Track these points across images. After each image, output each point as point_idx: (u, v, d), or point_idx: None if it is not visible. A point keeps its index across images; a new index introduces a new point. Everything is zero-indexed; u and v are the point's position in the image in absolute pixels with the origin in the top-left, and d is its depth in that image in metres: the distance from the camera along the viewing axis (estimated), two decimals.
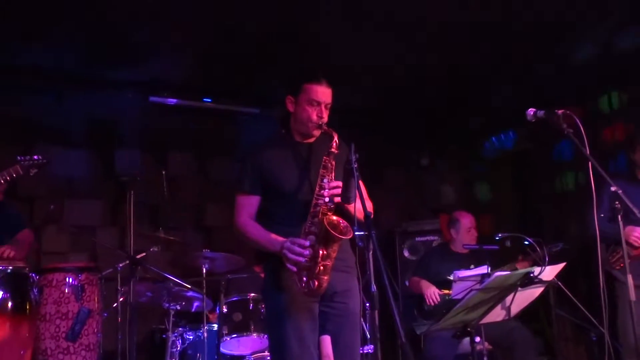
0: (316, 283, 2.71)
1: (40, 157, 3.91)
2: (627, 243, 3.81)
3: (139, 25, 4.47)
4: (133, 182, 4.73)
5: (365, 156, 2.89)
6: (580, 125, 3.10)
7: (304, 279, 2.72)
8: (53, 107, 5.40)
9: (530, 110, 3.22)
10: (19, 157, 3.87)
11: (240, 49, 4.92)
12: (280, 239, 2.78)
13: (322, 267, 2.71)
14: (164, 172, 5.26)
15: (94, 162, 5.73)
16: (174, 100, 5.74)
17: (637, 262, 3.90)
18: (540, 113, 3.19)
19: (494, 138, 7.06)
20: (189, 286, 4.41)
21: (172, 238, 4.76)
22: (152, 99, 5.66)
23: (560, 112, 3.12)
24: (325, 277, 2.73)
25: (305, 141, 2.99)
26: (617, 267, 4.02)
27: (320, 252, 2.70)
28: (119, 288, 4.48)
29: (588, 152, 3.12)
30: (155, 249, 4.78)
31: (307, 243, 2.71)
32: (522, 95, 5.77)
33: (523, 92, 5.77)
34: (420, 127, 6.92)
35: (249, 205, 2.92)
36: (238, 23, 4.50)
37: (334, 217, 2.75)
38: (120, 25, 4.47)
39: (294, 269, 2.71)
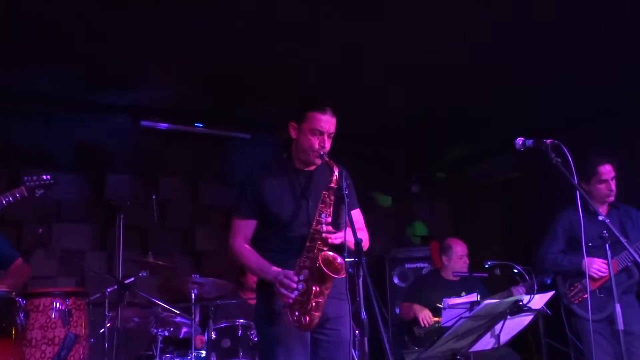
0: (307, 319, 2.71)
1: (48, 177, 3.78)
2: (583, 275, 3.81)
3: (130, 49, 4.50)
4: (123, 206, 4.70)
5: (355, 182, 2.91)
6: (569, 155, 3.15)
7: (296, 313, 2.72)
8: (42, 130, 5.39)
9: (519, 139, 3.26)
10: (24, 178, 3.76)
11: (233, 74, 4.96)
12: (274, 268, 2.78)
13: (314, 304, 2.71)
14: (154, 197, 5.24)
15: (84, 186, 5.71)
16: (165, 125, 5.75)
17: (595, 296, 3.90)
18: (529, 142, 3.23)
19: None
20: (178, 312, 4.37)
21: (161, 263, 4.73)
22: (144, 123, 5.67)
23: (548, 141, 3.17)
24: (317, 314, 2.73)
25: (305, 169, 3.00)
26: (576, 302, 4.03)
27: (314, 288, 2.70)
28: (106, 313, 4.43)
29: (576, 181, 3.16)
30: (144, 274, 4.75)
31: (300, 278, 2.71)
32: (512, 124, 5.83)
33: (512, 120, 5.83)
34: (410, 156, 6.97)
35: (245, 229, 2.93)
36: (231, 48, 4.54)
37: (330, 253, 2.75)
38: (111, 49, 4.49)
39: (287, 301, 2.72)
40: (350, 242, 2.62)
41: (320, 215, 2.81)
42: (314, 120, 2.90)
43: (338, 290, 2.87)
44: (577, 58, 4.72)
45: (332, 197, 2.83)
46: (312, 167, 2.99)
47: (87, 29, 4.20)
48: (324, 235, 2.76)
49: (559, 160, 3.14)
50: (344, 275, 2.68)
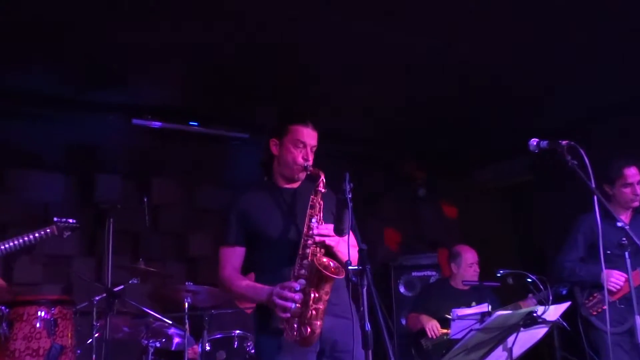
0: (309, 329, 2.69)
1: (75, 221, 4.27)
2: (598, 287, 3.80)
3: (121, 45, 4.50)
4: (113, 209, 4.69)
5: (360, 186, 2.89)
6: (585, 157, 3.12)
7: (295, 326, 2.70)
8: (30, 129, 5.39)
9: (533, 141, 3.24)
10: (55, 219, 4.20)
11: (229, 71, 4.96)
12: (267, 287, 2.78)
13: (314, 312, 2.69)
14: (145, 200, 5.24)
15: (72, 188, 5.70)
16: (158, 124, 5.74)
17: (615, 307, 3.86)
18: (544, 143, 3.21)
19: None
20: (170, 322, 4.36)
21: (152, 269, 4.72)
22: (135, 121, 5.66)
23: (564, 142, 3.15)
24: (318, 322, 2.71)
25: (289, 186, 3.03)
26: (594, 313, 4.00)
27: (312, 294, 2.69)
28: (94, 323, 4.42)
29: (593, 185, 3.14)
30: (135, 281, 4.74)
31: (297, 286, 2.70)
32: (523, 125, 5.83)
33: (523, 121, 5.83)
34: (417, 158, 6.97)
35: (233, 257, 2.94)
36: (227, 44, 4.54)
37: (324, 259, 2.76)
38: (102, 45, 4.49)
39: (285, 315, 2.70)
40: (354, 249, 2.61)
41: (310, 221, 2.82)
42: (295, 133, 2.96)
43: (343, 309, 2.85)
44: (593, 55, 4.69)
45: (321, 202, 2.86)
46: (297, 184, 3.03)
47: (78, 25, 4.21)
48: (316, 238, 2.77)
49: (576, 162, 3.12)
50: (343, 275, 2.69)
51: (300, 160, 2.93)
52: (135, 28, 4.26)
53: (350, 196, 2.66)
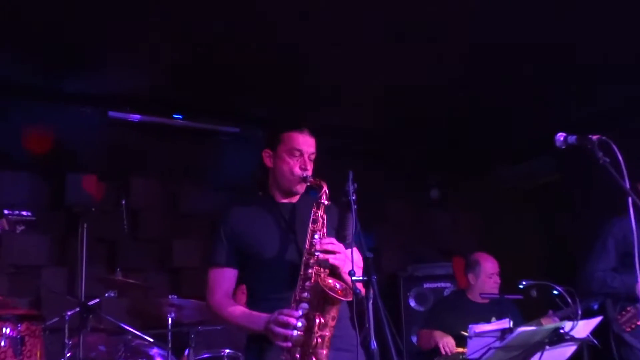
0: None
1: (30, 213, 4.09)
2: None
3: (97, 29, 4.50)
4: (86, 213, 4.70)
5: (365, 188, 2.89)
6: (619, 154, 3.12)
7: (298, 356, 2.67)
8: None
9: (560, 135, 3.25)
10: (5, 211, 4.03)
11: (218, 58, 4.97)
12: (264, 315, 2.76)
13: (319, 339, 2.66)
14: (124, 202, 5.25)
15: (40, 189, 5.71)
16: (138, 117, 5.75)
17: None
18: (572, 139, 3.21)
19: None
20: (151, 339, 4.36)
21: (131, 281, 4.73)
22: (112, 114, 5.67)
23: (595, 137, 3.15)
24: (324, 352, 2.68)
25: (287, 200, 3.02)
26: (628, 329, 3.99)
27: (317, 320, 2.66)
28: (66, 341, 4.42)
29: (628, 185, 3.14)
30: (112, 294, 4.75)
31: (299, 313, 2.69)
32: (549, 119, 5.85)
33: (550, 115, 5.83)
34: (429, 155, 6.98)
35: (224, 280, 2.93)
36: (215, 28, 4.55)
37: (330, 280, 2.74)
38: (73, 27, 4.48)
39: (286, 344, 2.67)
40: (357, 259, 2.60)
41: (313, 237, 2.80)
42: (290, 141, 2.95)
43: (348, 341, 2.82)
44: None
45: (324, 216, 2.85)
46: (295, 198, 3.03)
47: (44, 2, 4.19)
48: (320, 255, 2.75)
49: (608, 160, 3.12)
50: (351, 297, 2.66)
51: (297, 170, 2.92)
52: (112, 6, 4.25)
53: (354, 198, 2.66)
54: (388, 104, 5.85)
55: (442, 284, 6.45)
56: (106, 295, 4.73)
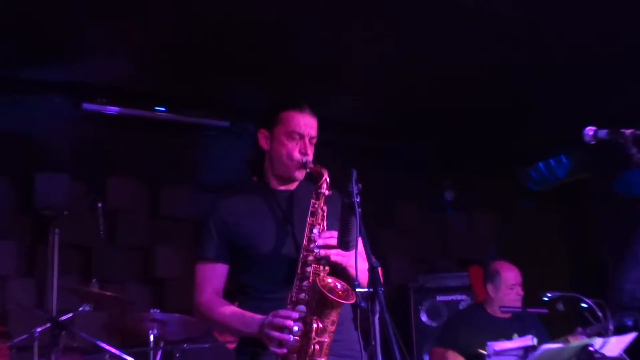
0: None
1: None
2: None
3: (69, 8, 4.49)
4: (58, 217, 4.70)
5: (370, 188, 2.90)
6: None
7: None
8: None
9: (589, 130, 3.25)
10: None
11: (205, 44, 4.98)
12: (258, 316, 2.78)
13: (317, 346, 2.68)
14: (100, 205, 5.25)
15: (6, 190, 5.71)
16: (115, 109, 5.76)
17: None
18: (602, 133, 3.22)
19: (540, 164, 7.11)
20: (131, 358, 4.37)
21: (109, 293, 4.73)
22: (86, 106, 5.67)
23: (628, 132, 3.16)
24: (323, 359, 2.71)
25: (284, 188, 3.04)
26: None
27: (314, 324, 2.68)
28: None
29: None
30: (87, 308, 4.74)
31: (296, 315, 2.70)
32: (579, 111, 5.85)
33: (579, 107, 5.85)
34: (443, 151, 6.99)
35: (213, 276, 2.94)
36: (202, 8, 4.55)
37: (329, 279, 2.75)
38: (42, 8, 4.47)
39: (281, 351, 2.69)
40: (363, 266, 2.58)
41: (311, 232, 2.82)
42: (290, 121, 2.95)
43: (349, 347, 2.84)
44: None
45: (325, 207, 2.86)
46: (293, 185, 3.05)
47: None
48: (320, 252, 2.77)
49: None
50: (353, 300, 2.68)
51: (296, 155, 2.93)
52: None
53: (358, 200, 2.64)
54: (397, 94, 5.86)
55: (458, 297, 6.46)
56: (80, 309, 4.72)
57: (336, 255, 2.77)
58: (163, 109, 5.91)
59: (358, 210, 2.61)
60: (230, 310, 2.88)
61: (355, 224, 2.64)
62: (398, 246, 6.98)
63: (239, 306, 2.91)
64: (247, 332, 2.83)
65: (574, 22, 4.75)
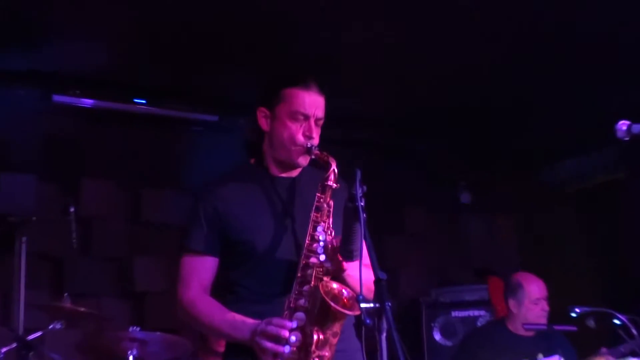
0: None
1: None
2: None
3: None
4: (25, 223, 4.69)
5: (377, 190, 2.90)
6: None
7: None
8: None
9: (622, 124, 3.25)
10: None
11: (191, 29, 4.97)
12: (251, 321, 2.78)
13: None
14: (72, 210, 5.24)
15: None
16: (90, 101, 5.75)
17: None
18: (637, 128, 3.22)
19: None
20: None
21: (82, 309, 4.73)
22: (57, 98, 5.67)
23: None
24: None
25: (285, 174, 3.04)
26: None
27: (315, 336, 2.68)
28: None
29: None
30: (58, 326, 4.74)
31: (294, 324, 2.71)
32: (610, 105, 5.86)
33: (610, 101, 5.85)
34: (458, 149, 7.01)
35: (201, 270, 2.94)
36: None
37: (334, 285, 2.76)
38: None
39: None
40: (368, 280, 2.57)
41: (315, 230, 2.82)
42: (293, 100, 2.93)
43: (352, 357, 2.86)
44: None
45: (331, 202, 2.85)
46: (296, 172, 3.04)
47: None
48: (320, 251, 2.78)
49: None
50: (358, 312, 2.65)
51: (300, 138, 2.91)
52: None
53: (362, 204, 2.63)
54: (408, 85, 5.85)
55: (475, 312, 6.46)
56: (50, 327, 4.72)
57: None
58: (143, 101, 5.91)
59: (362, 215, 2.60)
60: (219, 310, 2.88)
61: (360, 230, 2.63)
62: (408, 255, 7.00)
63: (225, 307, 2.90)
64: (236, 338, 2.83)
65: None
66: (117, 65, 5.53)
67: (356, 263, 2.66)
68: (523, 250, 7.34)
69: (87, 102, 5.75)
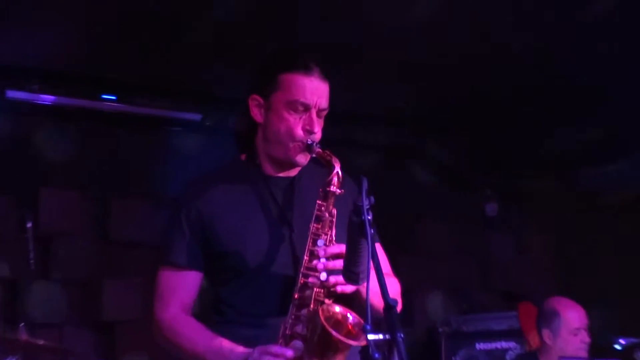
0: None
1: None
2: None
3: None
4: None
5: (386, 201, 2.89)
6: None
7: None
8: None
9: None
10: None
11: (169, 9, 4.95)
12: (241, 349, 2.78)
13: None
14: (29, 225, 5.24)
15: None
16: (50, 98, 5.76)
17: None
18: None
19: None
20: None
21: (41, 342, 4.72)
22: (11, 94, 5.67)
23: None
24: None
25: (282, 174, 3.05)
26: None
27: None
28: None
29: None
30: None
31: (290, 354, 2.71)
32: None
33: None
34: (482, 151, 7.01)
35: (182, 287, 2.96)
36: None
37: (337, 308, 2.77)
38: None
39: None
40: (377, 304, 2.56)
41: (315, 244, 2.83)
42: (292, 87, 2.94)
43: None
44: None
45: (334, 211, 2.86)
46: (294, 171, 3.05)
47: None
48: (328, 279, 2.79)
49: None
50: (364, 342, 2.62)
51: (299, 132, 2.93)
52: None
53: (370, 217, 2.61)
54: (424, 76, 5.84)
55: (503, 344, 6.46)
56: None
57: (344, 286, 2.79)
58: (113, 97, 5.91)
59: (370, 230, 2.58)
60: (203, 334, 2.90)
61: (367, 249, 2.61)
62: (424, 277, 7.01)
63: (211, 330, 2.91)
64: None
65: None
66: (81, 55, 5.51)
67: (363, 287, 2.66)
68: (559, 271, 7.32)
69: (47, 98, 5.75)
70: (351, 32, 5.14)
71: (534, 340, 5.67)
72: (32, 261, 5.25)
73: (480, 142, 6.98)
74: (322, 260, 2.81)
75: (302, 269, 2.83)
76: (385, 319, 2.51)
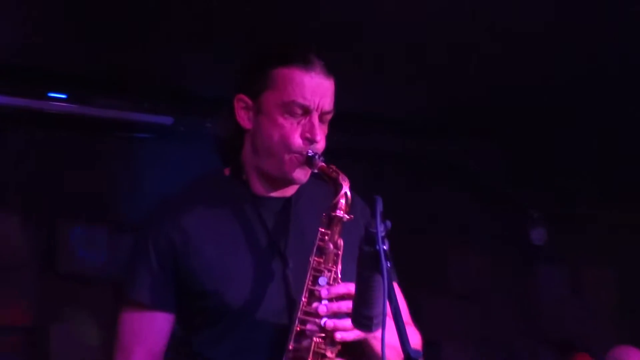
0: None
1: None
2: None
3: None
4: None
5: (406, 227, 2.84)
6: None
7: None
8: None
9: None
10: None
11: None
12: None
13: None
14: None
15: None
16: None
17: None
18: None
19: None
20: None
21: None
22: None
23: None
24: None
25: (275, 194, 3.03)
26: None
27: None
28: None
29: None
30: None
31: None
32: None
33: None
34: (527, 165, 6.99)
35: (148, 333, 2.96)
36: None
37: None
38: None
39: None
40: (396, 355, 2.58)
41: (315, 283, 2.80)
42: (287, 85, 2.93)
43: None
44: None
45: (340, 242, 2.84)
46: (290, 191, 3.05)
47: None
48: (325, 323, 2.74)
49: None
50: None
51: (297, 141, 2.92)
52: None
53: (385, 247, 2.57)
54: (455, 74, 5.89)
55: None
56: None
57: (347, 333, 2.76)
58: (63, 96, 5.93)
59: (386, 264, 2.53)
60: None
61: (382, 286, 2.55)
62: (454, 322, 7.03)
63: None
64: None
65: None
66: (24, 46, 5.58)
67: (377, 334, 2.60)
68: (622, 315, 7.30)
69: None
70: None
71: None
72: None
73: (525, 153, 6.98)
74: (325, 302, 2.76)
75: (298, 313, 2.79)
76: None
